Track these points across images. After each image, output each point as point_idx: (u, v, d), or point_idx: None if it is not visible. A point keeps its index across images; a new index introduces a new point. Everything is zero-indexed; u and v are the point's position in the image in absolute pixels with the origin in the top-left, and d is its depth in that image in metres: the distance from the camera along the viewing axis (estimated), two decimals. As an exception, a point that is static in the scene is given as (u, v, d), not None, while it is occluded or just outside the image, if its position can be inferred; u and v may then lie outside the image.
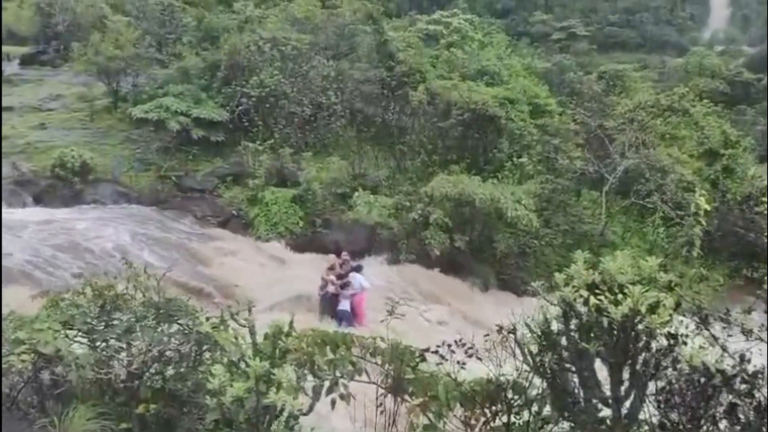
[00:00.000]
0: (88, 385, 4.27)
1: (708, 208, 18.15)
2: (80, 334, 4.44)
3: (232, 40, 23.53)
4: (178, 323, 4.58)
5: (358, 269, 13.78)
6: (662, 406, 3.61)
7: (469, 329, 5.75)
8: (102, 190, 18.96)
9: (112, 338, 4.41)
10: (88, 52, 23.31)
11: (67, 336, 4.38)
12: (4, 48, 32.36)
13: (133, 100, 23.01)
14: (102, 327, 4.52)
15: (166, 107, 20.86)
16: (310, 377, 4.43)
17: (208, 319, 4.61)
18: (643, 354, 3.64)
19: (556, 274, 3.89)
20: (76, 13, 30.73)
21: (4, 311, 4.87)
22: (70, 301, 4.69)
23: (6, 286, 10.87)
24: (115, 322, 4.54)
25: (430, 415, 4.63)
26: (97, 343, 4.38)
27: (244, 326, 4.25)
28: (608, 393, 3.85)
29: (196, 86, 22.51)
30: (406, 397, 4.78)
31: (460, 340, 4.55)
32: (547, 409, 4.26)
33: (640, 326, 3.56)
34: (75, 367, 4.16)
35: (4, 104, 24.38)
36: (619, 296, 3.60)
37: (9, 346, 4.12)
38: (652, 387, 3.69)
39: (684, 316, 3.74)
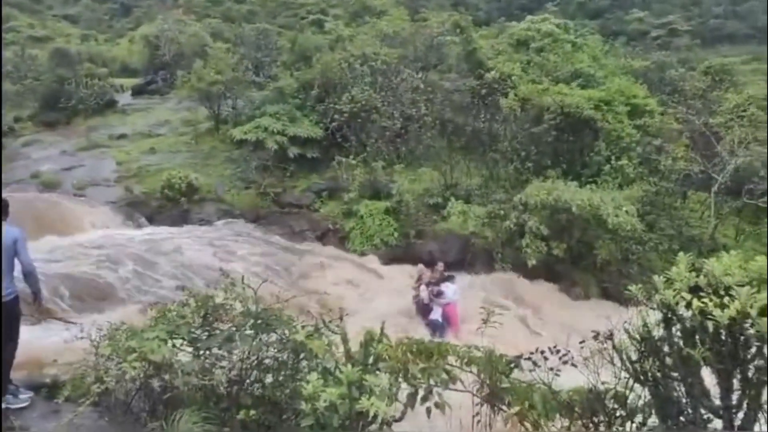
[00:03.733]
0: (193, 391, 4.50)
1: None
2: (185, 343, 4.70)
3: (324, 59, 24.20)
4: (275, 332, 4.75)
5: (450, 279, 13.73)
6: (780, 416, 3.35)
7: (568, 338, 5.56)
8: (207, 208, 19.93)
9: (214, 347, 4.63)
10: (192, 79, 24.74)
11: (173, 345, 4.65)
12: (119, 80, 35.06)
13: (233, 122, 24.12)
14: (205, 336, 4.77)
15: (264, 127, 21.73)
16: (404, 385, 4.45)
17: (303, 327, 4.75)
18: (756, 360, 3.40)
19: (655, 277, 3.71)
20: (181, 43, 32.80)
21: (119, 323, 5.25)
22: (176, 312, 4.96)
23: (120, 302, 11.72)
24: (217, 331, 4.77)
25: (528, 425, 4.53)
26: (201, 352, 4.62)
27: (337, 334, 4.35)
28: (718, 402, 3.62)
29: (291, 105, 23.27)
30: (503, 406, 4.71)
31: (555, 347, 4.44)
32: (652, 420, 4.06)
33: (750, 330, 3.32)
34: (181, 374, 4.41)
35: (119, 132, 26.47)
36: (726, 299, 3.38)
37: (122, 354, 4.44)
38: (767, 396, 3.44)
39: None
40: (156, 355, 4.31)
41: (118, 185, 21.03)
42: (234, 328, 4.72)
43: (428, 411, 4.36)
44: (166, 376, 4.54)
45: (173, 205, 19.56)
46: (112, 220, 18.46)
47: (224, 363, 4.57)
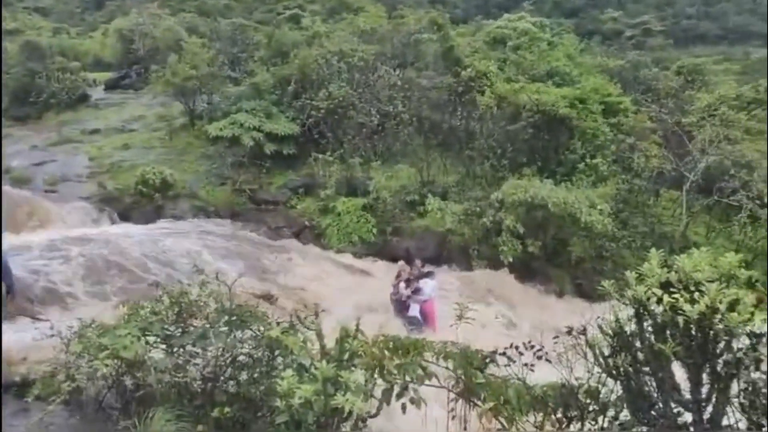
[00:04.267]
0: (166, 388, 4.45)
1: None
2: (159, 339, 4.64)
3: (302, 55, 24.04)
4: (250, 329, 4.72)
5: (429, 275, 13.75)
6: (747, 409, 3.42)
7: (541, 334, 5.63)
8: (181, 204, 19.71)
9: (188, 344, 4.59)
10: (166, 74, 24.39)
11: (147, 342, 4.59)
12: (91, 74, 34.44)
13: (208, 118, 23.86)
14: (179, 333, 4.72)
15: (239, 123, 21.51)
16: (380, 381, 4.45)
17: (278, 324, 4.73)
18: (724, 354, 3.46)
19: (627, 273, 3.76)
20: (155, 38, 32.27)
21: (90, 320, 5.17)
22: (150, 309, 4.91)
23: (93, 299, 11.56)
24: (191, 328, 4.73)
25: (502, 420, 4.55)
26: (174, 349, 4.57)
27: (312, 330, 4.34)
28: (688, 396, 3.68)
29: (268, 101, 23.07)
30: (478, 401, 4.73)
31: (529, 342, 4.47)
32: (624, 415, 4.12)
33: (719, 325, 3.38)
34: (154, 371, 4.36)
35: (92, 127, 26.03)
36: (696, 294, 3.44)
37: (93, 352, 4.37)
38: (735, 389, 3.50)
39: (769, 314, 3.54)
40: (128, 353, 4.25)
41: (90, 181, 20.69)
42: (208, 325, 4.68)
43: (403, 407, 4.37)
44: (139, 374, 4.49)
45: (147, 202, 19.30)
46: (84, 216, 18.20)
47: (198, 360, 4.54)
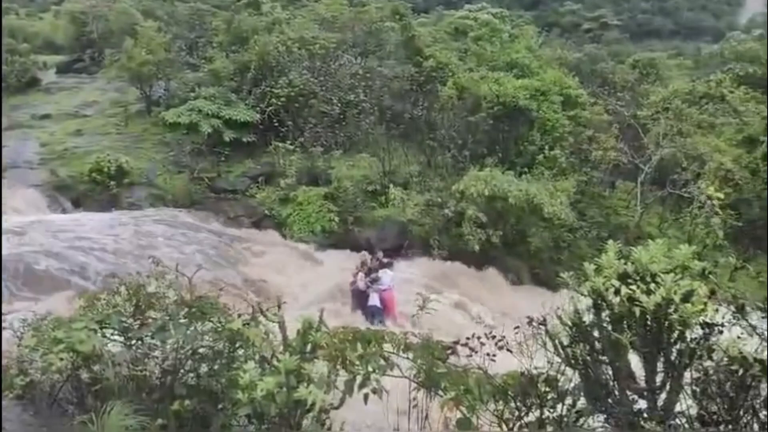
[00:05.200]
0: (124, 382, 4.35)
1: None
2: (116, 332, 4.53)
3: (262, 42, 23.68)
4: (210, 321, 4.64)
5: (389, 265, 13.82)
6: (699, 396, 3.54)
7: (502, 324, 5.71)
8: (137, 193, 19.34)
9: (146, 336, 4.49)
10: (121, 58, 23.79)
11: (104, 335, 4.48)
12: (42, 57, 33.29)
13: (165, 104, 23.35)
14: (137, 325, 4.62)
15: (197, 110, 21.10)
16: (342, 372, 4.45)
17: (239, 316, 4.67)
18: (678, 344, 3.56)
19: (586, 264, 3.83)
20: (109, 21, 31.39)
21: (46, 312, 5.03)
22: (106, 301, 4.79)
23: (49, 291, 11.24)
24: (149, 320, 4.63)
25: (463, 409, 4.60)
26: (132, 342, 4.48)
27: (274, 322, 4.30)
28: (643, 384, 3.78)
29: (227, 88, 22.71)
30: (439, 391, 4.77)
31: (491, 333, 4.53)
32: (581, 402, 4.21)
33: (673, 316, 3.48)
34: (111, 364, 4.26)
35: (43, 112, 25.21)
36: (652, 285, 3.52)
37: (48, 345, 4.24)
38: (688, 378, 3.62)
39: (720, 305, 3.66)
40: (85, 346, 4.14)
41: (41, 168, 20.08)
42: (167, 317, 4.58)
43: (365, 397, 4.37)
44: (96, 367, 4.37)
45: (102, 189, 18.85)
46: (35, 204, 17.69)
47: (157, 353, 4.44)
